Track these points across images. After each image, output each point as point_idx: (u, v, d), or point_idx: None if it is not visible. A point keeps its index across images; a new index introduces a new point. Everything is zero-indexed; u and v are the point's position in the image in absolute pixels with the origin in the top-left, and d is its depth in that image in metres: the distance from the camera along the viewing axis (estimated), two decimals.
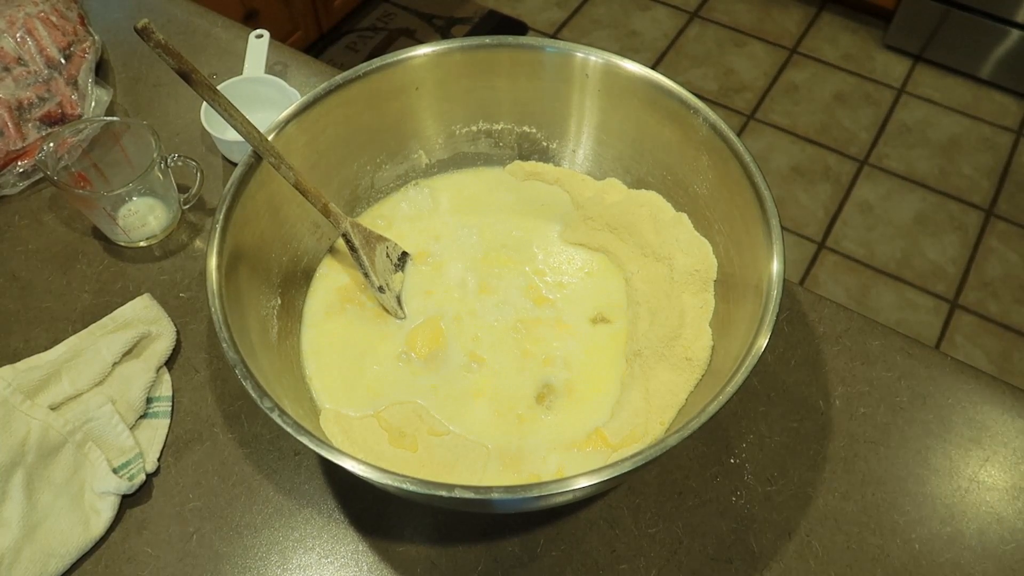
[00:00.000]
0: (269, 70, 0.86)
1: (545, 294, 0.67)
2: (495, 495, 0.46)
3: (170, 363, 0.68)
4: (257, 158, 0.60)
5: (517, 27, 2.22)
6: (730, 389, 0.49)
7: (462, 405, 0.61)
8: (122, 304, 0.69)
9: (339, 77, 0.64)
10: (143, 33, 0.50)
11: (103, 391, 0.64)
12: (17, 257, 0.75)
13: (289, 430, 0.48)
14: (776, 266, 0.54)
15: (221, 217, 0.57)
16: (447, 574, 0.59)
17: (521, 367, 0.63)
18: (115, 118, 0.76)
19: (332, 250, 0.69)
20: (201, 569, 0.59)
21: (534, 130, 0.73)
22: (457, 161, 0.74)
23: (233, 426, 0.65)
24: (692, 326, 0.62)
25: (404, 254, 0.69)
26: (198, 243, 0.76)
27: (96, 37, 0.87)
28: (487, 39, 0.67)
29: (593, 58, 0.66)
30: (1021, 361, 1.62)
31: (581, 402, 0.62)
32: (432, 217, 0.72)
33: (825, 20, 2.23)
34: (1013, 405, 0.66)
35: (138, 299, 0.70)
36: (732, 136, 0.60)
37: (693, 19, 2.24)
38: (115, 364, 0.65)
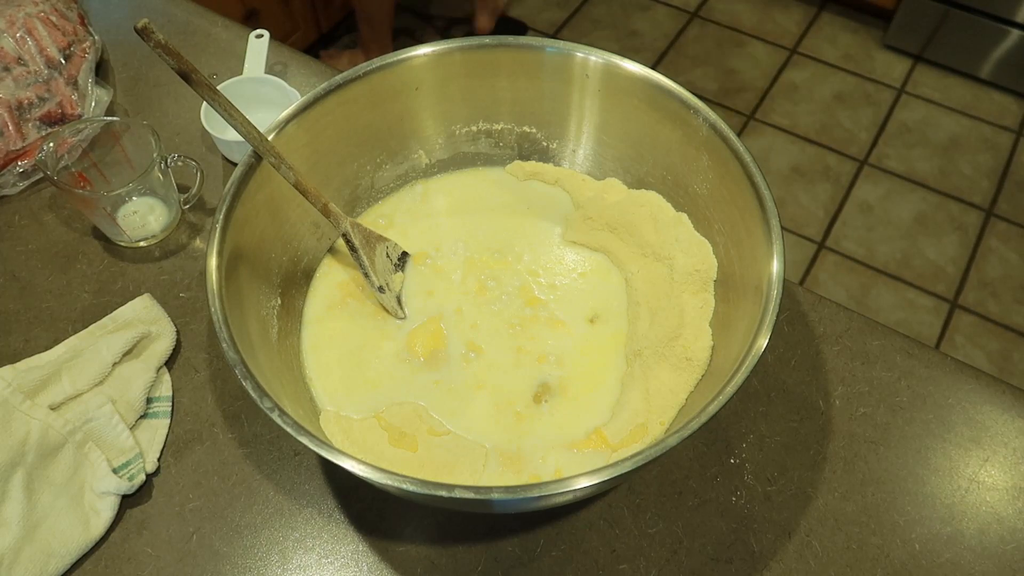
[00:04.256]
0: (269, 70, 0.86)
1: (542, 294, 0.67)
2: (495, 495, 0.46)
3: (170, 363, 0.68)
4: (257, 158, 0.60)
5: (517, 27, 2.22)
6: (730, 389, 0.49)
7: (463, 400, 0.61)
8: (122, 304, 0.69)
9: (339, 77, 0.64)
10: (143, 33, 0.50)
11: (103, 391, 0.64)
12: (17, 257, 0.75)
13: (289, 430, 0.48)
14: (776, 266, 0.54)
15: (221, 217, 0.57)
16: (447, 574, 0.59)
17: (517, 362, 0.63)
18: (115, 118, 0.76)
19: (332, 250, 0.69)
20: (201, 569, 0.59)
21: (534, 130, 0.73)
22: (457, 161, 0.74)
23: (233, 426, 0.65)
24: (692, 326, 0.62)
25: (404, 254, 0.69)
26: (198, 243, 0.76)
27: (96, 37, 0.87)
28: (487, 39, 0.67)
29: (593, 58, 0.66)
30: (1021, 361, 1.62)
31: (578, 401, 0.62)
32: (432, 217, 0.72)
33: (825, 20, 2.23)
34: (1013, 405, 0.66)
35: (138, 299, 0.70)
36: (732, 136, 0.60)
37: (693, 19, 2.24)
38: (115, 364, 0.65)
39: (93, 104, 0.83)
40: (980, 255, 1.77)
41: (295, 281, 0.66)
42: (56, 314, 0.71)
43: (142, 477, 0.62)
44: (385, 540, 0.60)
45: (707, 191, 0.64)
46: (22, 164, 0.79)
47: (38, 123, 0.80)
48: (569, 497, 0.55)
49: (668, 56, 2.16)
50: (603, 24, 2.23)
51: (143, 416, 0.65)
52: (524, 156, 0.74)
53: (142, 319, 0.69)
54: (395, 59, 0.66)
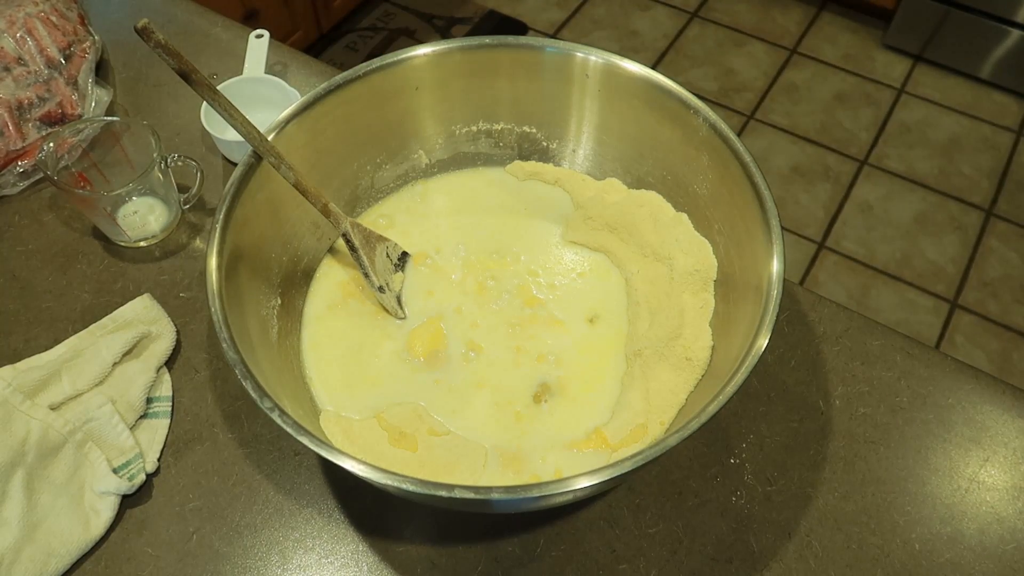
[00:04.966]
0: (269, 70, 0.86)
1: (541, 294, 0.67)
2: (495, 495, 0.46)
3: (170, 363, 0.68)
4: (257, 158, 0.60)
5: (517, 27, 2.22)
6: (730, 389, 0.49)
7: (463, 399, 0.61)
8: (122, 304, 0.69)
9: (339, 77, 0.64)
10: (143, 33, 0.50)
11: (103, 391, 0.64)
12: (17, 257, 0.75)
13: (289, 430, 0.48)
14: (776, 266, 0.54)
15: (221, 217, 0.57)
16: (447, 574, 0.59)
17: (516, 362, 0.63)
18: (115, 118, 0.76)
19: (332, 250, 0.69)
20: (201, 569, 0.59)
21: (534, 130, 0.73)
22: (457, 161, 0.74)
23: (233, 426, 0.65)
24: (692, 326, 0.62)
25: (404, 254, 0.69)
26: (198, 243, 0.76)
27: (96, 37, 0.87)
28: (487, 39, 0.67)
29: (593, 58, 0.66)
30: (1021, 361, 1.62)
31: (578, 401, 0.62)
32: (432, 217, 0.72)
33: (825, 20, 2.23)
34: (1013, 405, 0.66)
35: (138, 299, 0.70)
36: (732, 136, 0.60)
37: (693, 19, 2.24)
38: (115, 364, 0.65)
39: (93, 104, 0.83)
40: (980, 255, 1.77)
41: (295, 281, 0.66)
42: (56, 314, 0.71)
43: (142, 477, 0.62)
44: (385, 540, 0.60)
45: (707, 191, 0.64)
46: (22, 164, 0.79)
47: (38, 123, 0.80)
48: (569, 497, 0.55)
49: (668, 56, 2.16)
50: (603, 24, 2.23)
51: (143, 416, 0.65)
52: (524, 156, 0.74)
53: (142, 319, 0.69)
54: (395, 59, 0.66)
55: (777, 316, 0.52)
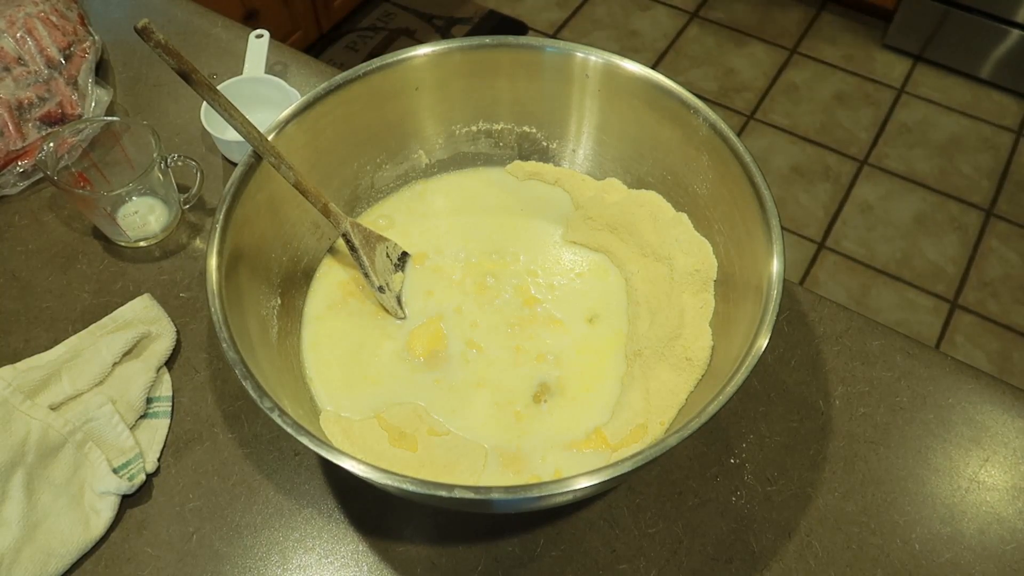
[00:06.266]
0: (269, 70, 0.86)
1: (540, 294, 0.67)
2: (495, 495, 0.46)
3: (170, 363, 0.68)
4: (257, 158, 0.60)
5: (517, 27, 2.22)
6: (730, 389, 0.49)
7: (462, 398, 0.61)
8: (122, 304, 0.69)
9: (339, 77, 0.64)
10: (143, 33, 0.50)
11: (103, 391, 0.64)
12: (17, 257, 0.75)
13: (289, 430, 0.48)
14: (776, 266, 0.54)
15: (221, 217, 0.57)
16: (447, 574, 0.59)
17: (516, 362, 0.63)
18: (115, 118, 0.76)
19: (332, 250, 0.69)
20: (201, 569, 0.59)
21: (534, 130, 0.73)
22: (457, 161, 0.74)
23: (233, 426, 0.65)
24: (692, 326, 0.62)
25: (404, 254, 0.69)
26: (198, 243, 0.76)
27: (96, 37, 0.87)
28: (487, 39, 0.67)
29: (593, 58, 0.66)
30: (1021, 361, 1.62)
31: (578, 401, 0.62)
32: (432, 217, 0.72)
33: (825, 20, 2.23)
34: (1013, 405, 0.66)
35: (138, 299, 0.70)
36: (732, 136, 0.60)
37: (693, 19, 2.24)
38: (115, 364, 0.65)
39: (93, 104, 0.83)
40: (980, 255, 1.77)
41: (295, 281, 0.66)
42: (56, 314, 0.71)
43: (142, 477, 0.62)
44: (385, 540, 0.60)
45: (707, 191, 0.64)
46: (22, 164, 0.79)
47: (38, 123, 0.80)
48: (569, 497, 0.55)
49: (668, 56, 2.16)
50: (603, 24, 2.23)
51: (143, 416, 0.65)
52: (524, 156, 0.74)
53: (142, 319, 0.69)
54: (395, 59, 0.66)
55: (777, 316, 0.52)
